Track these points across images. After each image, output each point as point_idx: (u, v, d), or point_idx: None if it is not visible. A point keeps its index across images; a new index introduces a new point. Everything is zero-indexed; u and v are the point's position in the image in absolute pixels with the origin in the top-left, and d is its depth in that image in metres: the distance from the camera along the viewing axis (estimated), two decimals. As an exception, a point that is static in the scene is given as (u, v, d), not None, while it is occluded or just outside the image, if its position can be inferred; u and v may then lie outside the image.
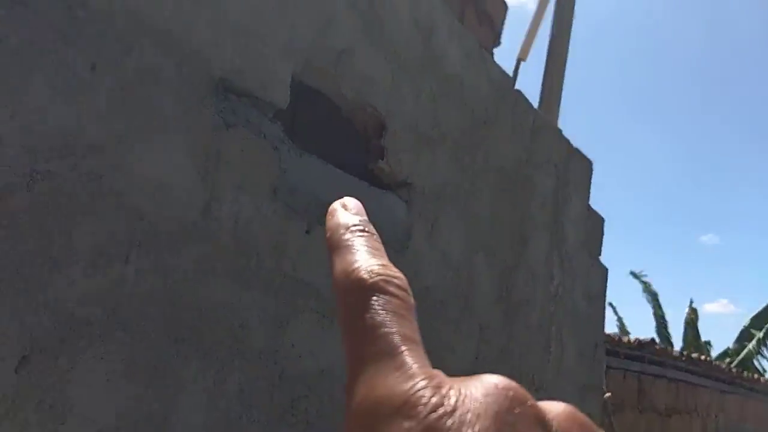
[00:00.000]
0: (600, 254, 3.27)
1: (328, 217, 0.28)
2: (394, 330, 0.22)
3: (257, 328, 1.51)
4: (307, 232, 1.63)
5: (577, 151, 3.08)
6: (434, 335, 2.10)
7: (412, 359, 0.21)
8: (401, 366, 0.21)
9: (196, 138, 1.38)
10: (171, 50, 1.32)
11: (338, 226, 0.27)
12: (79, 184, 1.17)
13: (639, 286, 7.98)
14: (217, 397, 1.41)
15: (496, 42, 2.85)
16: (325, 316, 1.68)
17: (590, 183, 3.18)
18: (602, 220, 3.30)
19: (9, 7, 1.07)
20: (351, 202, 0.29)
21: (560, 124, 3.24)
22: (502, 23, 2.86)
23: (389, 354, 0.21)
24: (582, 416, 0.21)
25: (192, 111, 1.37)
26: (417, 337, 0.23)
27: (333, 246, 0.27)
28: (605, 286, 3.31)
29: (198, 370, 1.38)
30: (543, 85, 3.05)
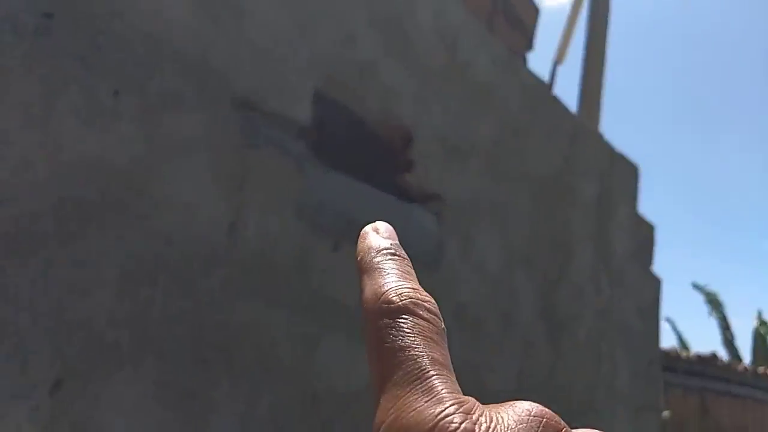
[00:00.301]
0: (652, 264, 3.13)
1: (360, 239, 0.29)
2: (423, 353, 0.22)
3: (287, 347, 1.49)
4: (334, 249, 1.61)
5: (622, 156, 2.98)
6: (474, 354, 2.03)
7: (441, 383, 0.21)
8: (430, 390, 0.20)
9: (220, 158, 1.39)
10: (191, 73, 1.34)
11: (369, 248, 0.27)
12: (106, 210, 1.19)
13: (702, 298, 7.60)
14: (249, 419, 1.40)
15: (530, 47, 2.79)
16: (355, 335, 1.65)
17: (638, 189, 3.06)
18: (653, 227, 3.16)
19: (33, 38, 1.11)
20: (383, 225, 0.29)
21: (602, 129, 3.14)
22: (534, 27, 2.81)
23: (418, 378, 0.21)
24: None
25: (214, 132, 1.38)
26: (447, 361, 0.22)
27: (363, 268, 0.27)
28: (659, 299, 3.16)
29: (228, 392, 1.37)
30: (581, 88, 2.96)
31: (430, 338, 0.22)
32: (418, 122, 1.89)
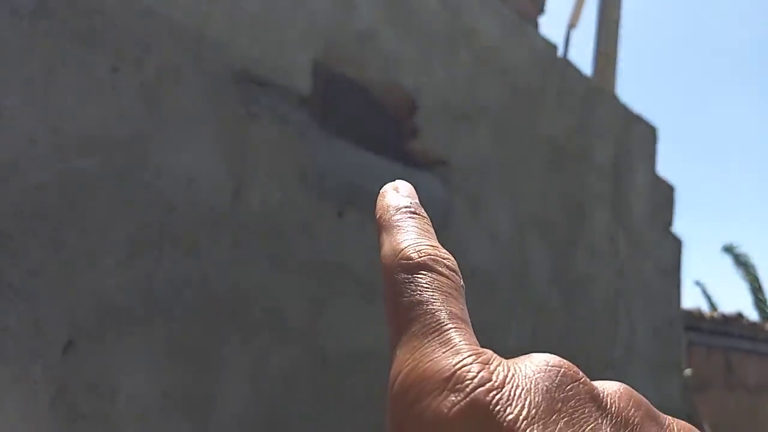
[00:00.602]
0: (672, 225, 3.08)
1: (379, 198, 0.28)
2: (441, 307, 0.22)
3: (295, 309, 1.55)
4: (339, 215, 1.65)
5: (639, 118, 2.92)
6: (486, 316, 2.06)
7: (459, 336, 0.21)
8: (448, 342, 0.20)
9: (221, 129, 1.43)
10: (189, 46, 1.38)
11: (388, 206, 0.27)
12: (109, 180, 1.25)
13: (732, 261, 7.44)
14: (259, 377, 1.46)
15: (541, 11, 2.75)
16: (364, 298, 1.70)
17: (656, 150, 3.01)
18: (672, 188, 3.11)
19: (31, 19, 1.16)
20: (403, 184, 0.29)
21: (619, 91, 3.08)
22: (546, -9, 2.76)
23: (436, 330, 0.21)
24: (638, 396, 0.20)
25: (214, 103, 1.42)
26: (465, 316, 0.22)
27: (382, 225, 0.27)
28: (680, 259, 3.12)
29: (238, 350, 1.43)
30: (595, 51, 2.91)
31: (449, 293, 0.22)
32: (422, 89, 1.90)
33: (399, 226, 0.26)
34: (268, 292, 1.50)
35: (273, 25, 1.54)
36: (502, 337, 2.12)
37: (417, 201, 0.28)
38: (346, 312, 1.65)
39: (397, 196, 0.28)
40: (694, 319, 3.75)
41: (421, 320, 0.21)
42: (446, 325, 0.21)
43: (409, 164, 1.89)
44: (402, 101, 1.87)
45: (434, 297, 0.22)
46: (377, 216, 0.27)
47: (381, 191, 0.29)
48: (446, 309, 0.22)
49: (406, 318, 0.22)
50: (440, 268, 0.23)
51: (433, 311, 0.21)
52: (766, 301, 7.31)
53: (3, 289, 1.12)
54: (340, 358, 1.63)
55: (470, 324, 0.22)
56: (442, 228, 1.94)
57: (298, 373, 1.55)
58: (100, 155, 1.24)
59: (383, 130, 1.90)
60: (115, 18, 1.26)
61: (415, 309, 0.22)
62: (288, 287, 1.54)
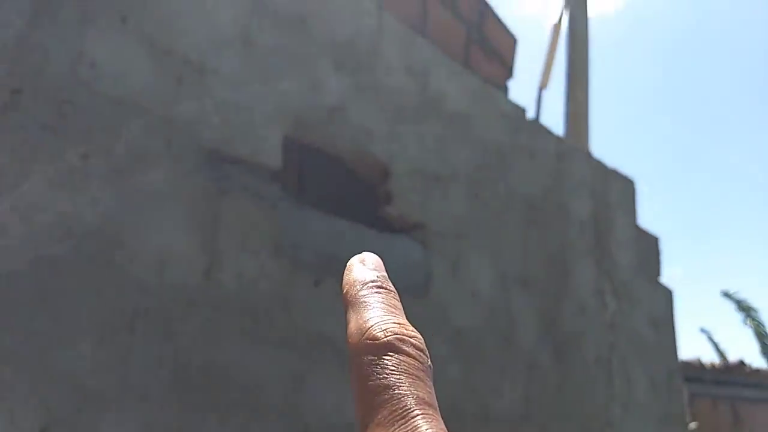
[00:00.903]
0: (660, 275, 3.09)
1: (346, 272, 0.28)
2: (407, 392, 0.21)
3: (274, 384, 1.53)
4: (316, 284, 1.66)
5: (615, 172, 2.99)
6: (476, 379, 2.03)
7: (426, 424, 0.20)
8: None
9: (192, 207, 1.46)
10: (158, 130, 1.43)
11: (354, 281, 0.27)
12: (81, 265, 1.27)
13: (734, 306, 7.37)
14: (239, 458, 1.43)
15: (509, 75, 2.86)
16: (344, 367, 1.68)
17: (635, 202, 3.06)
18: (656, 239, 3.14)
19: (2, 112, 1.21)
20: (369, 257, 0.29)
21: (594, 148, 3.16)
22: (513, 56, 2.88)
23: (402, 417, 0.21)
24: None
25: (185, 183, 1.46)
26: (432, 400, 0.22)
27: (349, 302, 0.26)
28: (672, 309, 3.10)
29: (216, 430, 1.41)
30: (566, 110, 3.01)
31: (416, 376, 0.22)
32: (394, 155, 1.95)
33: (365, 302, 0.25)
34: (245, 368, 1.49)
35: (242, 106, 1.60)
36: (494, 399, 2.08)
37: (384, 274, 0.28)
38: (328, 384, 1.63)
39: (364, 269, 0.28)
40: (694, 369, 3.69)
41: (388, 406, 0.21)
42: (413, 411, 0.21)
43: (386, 229, 1.91)
44: (374, 169, 1.92)
45: (400, 380, 0.22)
46: (344, 291, 0.27)
47: (348, 265, 0.29)
48: (413, 394, 0.21)
49: (373, 403, 0.21)
50: (407, 348, 0.23)
51: (400, 396, 0.21)
52: None
53: (-28, 380, 1.11)
54: (323, 431, 1.60)
55: (437, 408, 0.22)
56: (423, 291, 1.94)
57: (281, 449, 1.51)
58: (71, 241, 1.26)
59: (357, 197, 1.94)
60: (85, 107, 1.32)
61: (382, 394, 0.21)
62: (266, 362, 1.53)
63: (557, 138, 2.68)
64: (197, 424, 1.38)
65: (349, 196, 1.98)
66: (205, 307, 1.44)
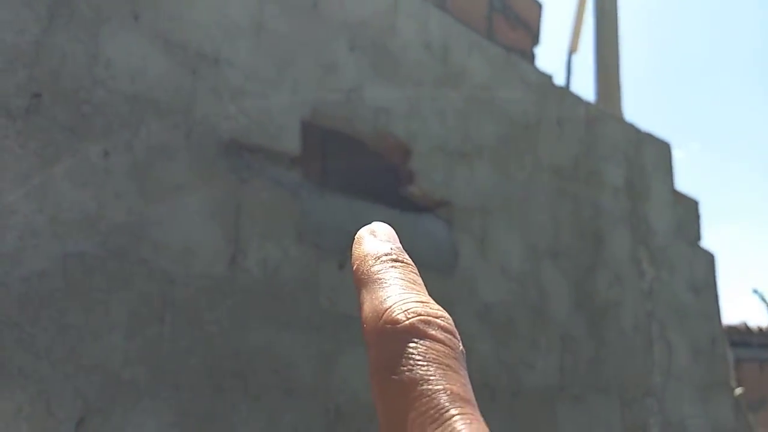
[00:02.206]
0: (700, 239, 3.00)
1: (354, 245, 0.24)
2: (439, 387, 0.18)
3: (304, 366, 1.56)
4: (340, 267, 1.68)
5: (649, 136, 2.89)
6: (508, 354, 2.03)
7: (466, 427, 0.17)
8: None
9: (214, 198, 1.49)
10: (177, 124, 1.46)
11: (366, 255, 0.23)
12: (109, 260, 1.31)
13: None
14: (272, 438, 1.47)
15: (536, 42, 2.78)
16: (373, 347, 1.70)
17: (672, 166, 2.96)
18: (696, 202, 3.04)
19: (25, 117, 1.25)
20: (380, 227, 0.25)
21: (627, 112, 3.06)
22: (539, 22, 2.80)
23: (436, 420, 0.17)
24: None
25: (205, 174, 1.48)
26: (469, 394, 0.18)
27: (360, 280, 0.22)
28: (714, 274, 3.02)
29: (248, 414, 1.45)
30: (596, 74, 2.91)
31: (447, 365, 0.18)
32: (415, 134, 1.94)
33: (380, 278, 0.22)
34: (274, 352, 1.52)
35: (259, 94, 1.61)
36: (525, 372, 2.08)
37: (399, 245, 0.24)
38: (357, 363, 1.66)
39: (375, 241, 0.24)
40: (740, 334, 3.59)
41: (417, 406, 0.17)
42: (448, 411, 0.17)
43: (410, 209, 1.91)
44: (395, 148, 1.91)
45: (429, 373, 0.18)
46: (354, 268, 0.23)
47: (356, 237, 0.24)
48: (446, 389, 0.18)
49: (398, 403, 0.18)
50: (434, 332, 0.19)
51: (430, 393, 0.18)
52: None
53: (13, 374, 1.17)
54: (354, 410, 1.63)
55: (475, 404, 0.18)
56: (450, 268, 1.94)
57: (313, 430, 1.55)
58: (98, 237, 1.30)
59: (380, 178, 1.94)
60: (103, 106, 1.35)
61: (408, 390, 0.18)
62: (295, 345, 1.56)
63: (587, 104, 2.60)
64: (229, 409, 1.43)
65: (372, 177, 1.98)
66: (232, 295, 1.47)
